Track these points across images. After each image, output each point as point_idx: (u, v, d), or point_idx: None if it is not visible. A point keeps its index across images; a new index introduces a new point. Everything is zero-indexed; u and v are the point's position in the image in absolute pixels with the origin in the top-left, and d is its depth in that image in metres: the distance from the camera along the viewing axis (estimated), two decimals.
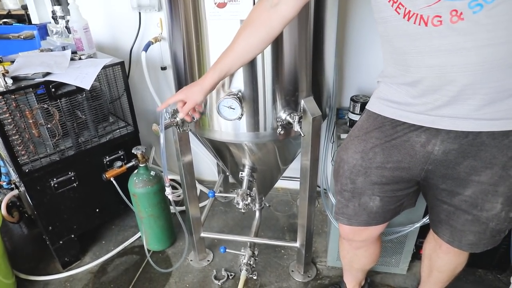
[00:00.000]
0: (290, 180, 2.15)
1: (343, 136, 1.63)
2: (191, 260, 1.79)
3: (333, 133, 1.74)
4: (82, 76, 1.48)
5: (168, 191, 1.28)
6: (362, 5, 1.64)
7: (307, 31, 1.20)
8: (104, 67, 1.57)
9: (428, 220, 1.39)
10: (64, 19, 1.83)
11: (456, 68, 0.79)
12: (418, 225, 1.43)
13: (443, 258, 1.22)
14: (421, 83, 0.86)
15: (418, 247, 1.59)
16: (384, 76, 0.98)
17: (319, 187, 1.81)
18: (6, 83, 1.38)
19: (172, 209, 2.03)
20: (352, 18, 1.68)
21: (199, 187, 2.29)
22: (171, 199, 1.29)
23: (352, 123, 1.65)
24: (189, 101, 1.08)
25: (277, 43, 1.15)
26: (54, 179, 1.58)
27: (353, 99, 1.63)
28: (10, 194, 1.76)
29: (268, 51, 1.16)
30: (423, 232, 1.50)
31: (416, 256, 1.63)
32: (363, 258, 1.34)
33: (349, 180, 1.08)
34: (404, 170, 1.00)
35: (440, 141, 0.91)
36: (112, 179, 1.67)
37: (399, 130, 0.97)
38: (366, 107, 1.08)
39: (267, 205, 1.95)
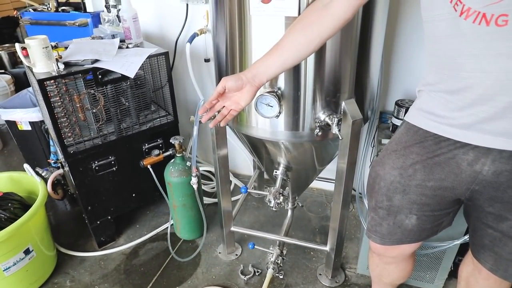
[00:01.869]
0: (326, 182, 2.10)
1: (385, 141, 1.56)
2: (219, 253, 1.81)
3: (374, 138, 1.68)
4: (128, 64, 1.52)
5: (193, 180, 1.28)
6: (414, 7, 1.55)
7: (354, 31, 1.15)
8: (149, 57, 1.61)
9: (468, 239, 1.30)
10: (116, 8, 1.90)
11: None
12: (457, 242, 1.34)
13: (482, 285, 1.12)
14: (471, 91, 0.78)
15: (457, 264, 1.50)
16: (426, 84, 0.91)
17: (354, 190, 1.76)
18: (59, 68, 1.45)
19: (206, 200, 2.06)
20: (403, 20, 1.60)
21: (234, 180, 2.30)
22: (195, 188, 1.29)
23: (395, 128, 1.57)
24: (221, 83, 0.97)
25: None
26: (96, 162, 1.65)
27: (398, 104, 1.55)
28: (56, 173, 1.86)
29: None
30: (463, 249, 1.41)
31: (454, 274, 1.54)
32: (393, 274, 1.27)
33: (385, 197, 1.02)
34: (447, 189, 0.92)
35: (491, 160, 0.83)
36: (149, 166, 1.72)
37: (443, 146, 0.89)
38: (405, 118, 1.00)
39: (300, 205, 1.92)
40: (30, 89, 2.19)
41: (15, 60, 3.43)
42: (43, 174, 1.84)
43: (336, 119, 1.18)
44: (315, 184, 2.19)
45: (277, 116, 1.21)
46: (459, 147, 0.86)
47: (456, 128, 0.85)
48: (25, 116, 1.99)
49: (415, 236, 1.04)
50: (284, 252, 1.62)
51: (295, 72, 1.16)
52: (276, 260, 1.57)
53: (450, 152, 0.88)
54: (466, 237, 1.31)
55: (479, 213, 0.94)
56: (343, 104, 1.22)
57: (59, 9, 2.34)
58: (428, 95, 0.90)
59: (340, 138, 1.20)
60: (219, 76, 1.37)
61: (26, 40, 1.42)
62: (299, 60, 0.98)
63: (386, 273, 1.27)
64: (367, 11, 1.15)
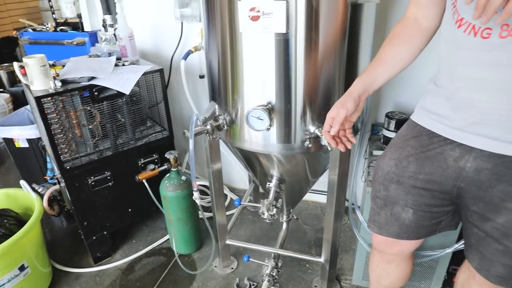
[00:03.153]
0: (320, 194, 2.12)
1: (376, 152, 1.59)
2: (215, 266, 1.81)
3: (366, 150, 1.71)
4: (123, 81, 1.56)
5: (195, 195, 1.31)
6: None
7: (342, 46, 1.19)
8: (145, 74, 1.65)
9: (460, 246, 1.32)
10: (113, 27, 1.95)
11: (493, 84, 0.77)
12: (449, 250, 1.36)
13: None
14: (459, 95, 0.85)
15: (451, 274, 1.51)
16: (432, 83, 0.97)
17: (348, 201, 1.78)
18: (56, 85, 1.49)
19: (200, 214, 2.07)
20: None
21: (230, 195, 2.32)
22: (198, 204, 1.33)
23: (386, 139, 1.61)
24: (340, 111, 1.00)
25: (310, 57, 1.16)
26: (92, 177, 1.67)
27: (388, 116, 1.59)
28: (52, 189, 1.88)
29: (300, 64, 1.16)
30: (457, 259, 1.42)
31: (448, 283, 1.55)
32: (392, 274, 1.28)
33: (382, 187, 1.07)
34: (435, 183, 0.97)
35: (473, 158, 0.88)
36: (144, 181, 1.74)
37: (435, 141, 0.95)
38: (410, 116, 1.08)
39: (295, 218, 1.94)
40: (28, 107, 2.22)
41: (14, 79, 3.49)
42: (39, 190, 1.85)
43: None
44: (310, 197, 2.21)
45: (268, 129, 1.24)
46: (448, 143, 0.92)
47: (447, 126, 0.91)
48: (23, 133, 2.02)
49: (413, 232, 1.07)
50: (279, 264, 1.63)
51: (285, 86, 1.20)
52: (271, 273, 1.58)
53: (440, 147, 0.94)
54: (457, 245, 1.33)
55: (466, 212, 0.98)
56: None
57: (58, 29, 2.40)
58: (430, 94, 0.97)
59: (330, 149, 1.23)
60: (212, 91, 1.41)
61: (24, 59, 1.46)
62: (400, 70, 1.04)
63: (386, 273, 1.28)
64: (354, 28, 1.19)
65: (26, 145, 2.09)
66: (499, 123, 0.80)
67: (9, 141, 2.11)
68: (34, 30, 2.50)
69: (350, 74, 1.27)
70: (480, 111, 0.81)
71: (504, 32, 0.72)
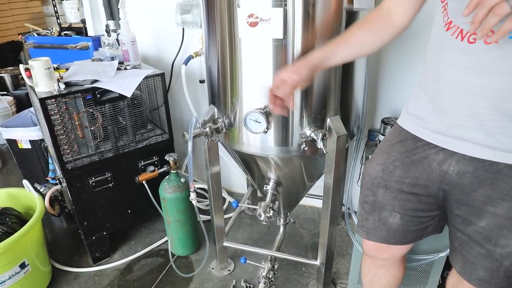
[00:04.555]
0: (318, 199, 2.14)
1: None
2: (212, 268, 1.83)
3: (363, 155, 1.74)
4: (125, 84, 1.60)
5: (192, 196, 1.34)
6: None
7: None
8: (146, 77, 1.69)
9: None
10: (116, 32, 2.00)
11: (475, 88, 0.79)
12: (442, 255, 1.38)
13: None
14: (442, 97, 0.87)
15: (445, 278, 1.52)
16: (418, 87, 0.99)
17: (344, 206, 1.80)
18: (59, 87, 1.53)
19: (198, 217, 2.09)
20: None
21: (228, 198, 2.35)
22: (194, 204, 1.36)
23: None
24: (293, 76, 0.98)
25: None
26: (93, 178, 1.71)
27: (384, 121, 1.62)
28: (54, 189, 1.91)
29: None
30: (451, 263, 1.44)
31: None
32: (383, 279, 1.30)
33: (370, 192, 1.09)
34: (421, 187, 0.98)
35: (455, 161, 0.90)
36: (144, 182, 1.77)
37: (420, 146, 0.97)
38: (397, 120, 1.10)
39: (292, 221, 1.96)
40: (31, 109, 2.26)
41: (17, 83, 3.54)
42: (41, 190, 1.88)
43: (320, 134, 1.25)
44: (308, 201, 2.24)
45: (265, 132, 1.27)
46: (432, 148, 0.94)
47: (429, 130, 0.93)
48: (26, 135, 2.06)
49: (400, 237, 1.09)
50: (276, 267, 1.65)
51: None
52: (268, 275, 1.60)
53: (424, 151, 0.96)
54: None
55: (450, 215, 0.99)
56: (328, 120, 1.29)
57: (62, 34, 2.45)
58: (415, 98, 0.99)
59: (325, 152, 1.26)
60: (212, 95, 1.45)
61: (29, 62, 1.50)
62: (359, 55, 1.08)
63: (377, 278, 1.30)
64: None
65: (29, 146, 2.13)
66: (479, 127, 0.82)
67: (12, 142, 2.15)
68: (39, 34, 2.55)
69: (345, 78, 1.30)
70: (461, 114, 0.83)
71: (489, 39, 0.74)
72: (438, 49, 0.86)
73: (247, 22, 1.14)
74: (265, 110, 1.25)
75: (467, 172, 0.89)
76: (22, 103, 3.16)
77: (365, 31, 1.01)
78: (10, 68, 3.64)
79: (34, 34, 2.55)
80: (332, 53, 1.01)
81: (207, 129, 1.34)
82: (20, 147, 2.15)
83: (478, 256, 0.94)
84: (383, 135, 1.63)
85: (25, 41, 2.49)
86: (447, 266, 1.48)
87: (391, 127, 1.58)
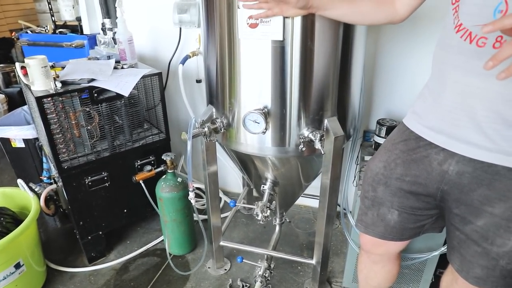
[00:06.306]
0: (313, 199, 2.16)
1: (368, 158, 1.64)
2: (209, 268, 1.84)
3: (358, 155, 1.76)
4: (122, 83, 1.60)
5: (191, 195, 1.35)
6: (394, 32, 1.67)
7: (336, 53, 1.24)
8: (143, 77, 1.68)
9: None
10: (112, 31, 1.99)
11: (479, 91, 0.81)
12: (436, 253, 1.40)
13: None
14: (445, 97, 0.89)
15: (438, 277, 1.55)
16: (425, 87, 1.01)
17: (339, 206, 1.82)
18: (56, 86, 1.52)
19: (195, 216, 2.10)
20: (385, 42, 1.70)
21: (224, 198, 2.35)
22: (193, 204, 1.36)
23: (377, 146, 1.66)
24: None
25: (305, 64, 1.21)
26: (89, 177, 1.70)
27: (379, 122, 1.64)
28: (49, 188, 1.89)
29: (296, 71, 1.21)
30: (444, 262, 1.46)
31: (435, 286, 1.59)
32: (379, 275, 1.33)
33: (370, 188, 1.11)
34: (420, 186, 1.01)
35: (455, 161, 0.92)
36: (141, 181, 1.77)
37: (422, 145, 0.99)
38: (402, 119, 1.12)
39: (288, 221, 1.98)
40: (25, 107, 2.24)
41: (9, 80, 3.49)
42: (36, 190, 1.87)
43: (318, 135, 1.26)
44: (303, 201, 2.26)
45: (264, 132, 1.28)
46: (433, 147, 0.96)
47: (431, 130, 0.95)
48: (19, 134, 2.04)
49: (398, 233, 1.11)
50: (272, 266, 1.66)
51: (281, 91, 1.24)
52: (264, 274, 1.61)
53: (426, 151, 0.98)
54: (444, 248, 1.38)
55: (449, 214, 1.02)
56: (325, 121, 1.31)
57: (57, 31, 2.43)
58: (422, 98, 1.01)
59: (323, 152, 1.28)
60: (210, 95, 1.45)
61: (25, 60, 1.49)
62: (352, 20, 1.12)
63: (373, 274, 1.33)
64: (347, 36, 1.25)
65: (23, 145, 2.10)
66: (479, 129, 0.84)
67: (5, 141, 2.13)
68: (32, 31, 2.53)
69: (343, 80, 1.32)
70: (462, 116, 0.85)
71: (498, 43, 0.76)
72: (446, 50, 0.88)
73: (247, 24, 1.14)
74: (263, 110, 1.26)
75: (466, 172, 0.91)
76: (14, 101, 3.12)
77: (369, 2, 1.06)
78: (1, 65, 3.59)
79: (28, 31, 2.52)
80: (332, 6, 1.05)
81: (206, 129, 1.35)
82: (13, 146, 2.12)
83: (475, 255, 0.96)
84: (378, 136, 1.65)
85: (17, 38, 2.46)
86: (440, 265, 1.51)
87: (386, 128, 1.61)
